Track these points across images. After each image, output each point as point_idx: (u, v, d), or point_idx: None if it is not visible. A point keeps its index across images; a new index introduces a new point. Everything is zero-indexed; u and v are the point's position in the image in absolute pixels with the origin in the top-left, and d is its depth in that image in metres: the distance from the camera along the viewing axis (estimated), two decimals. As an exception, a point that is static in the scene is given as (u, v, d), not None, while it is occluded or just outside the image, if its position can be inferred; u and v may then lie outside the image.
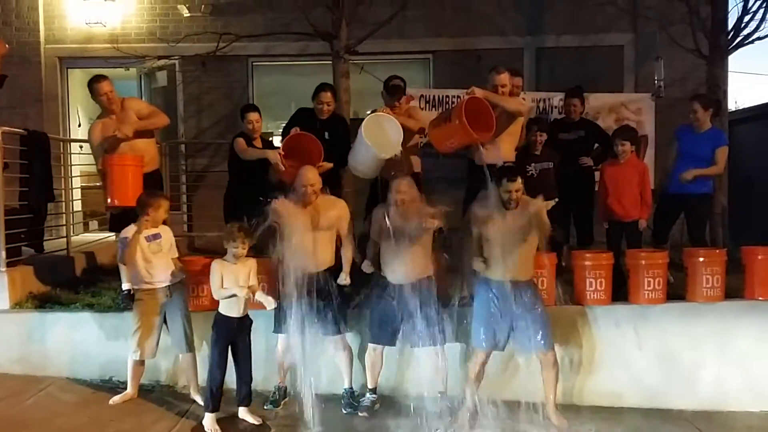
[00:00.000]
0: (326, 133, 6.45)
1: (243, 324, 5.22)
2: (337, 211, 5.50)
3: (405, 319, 5.35)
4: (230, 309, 5.14)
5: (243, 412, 5.28)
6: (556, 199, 6.48)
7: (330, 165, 6.11)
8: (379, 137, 5.89)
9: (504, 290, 5.23)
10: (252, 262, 5.27)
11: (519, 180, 5.14)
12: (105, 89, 6.27)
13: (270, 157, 6.10)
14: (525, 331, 5.24)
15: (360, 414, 5.47)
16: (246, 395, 5.27)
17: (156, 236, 5.47)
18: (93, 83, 6.35)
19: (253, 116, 6.63)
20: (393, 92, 6.43)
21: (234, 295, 5.08)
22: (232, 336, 5.17)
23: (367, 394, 5.61)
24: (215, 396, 5.12)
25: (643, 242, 6.73)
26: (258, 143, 6.63)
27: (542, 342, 5.23)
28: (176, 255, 5.64)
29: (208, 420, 5.11)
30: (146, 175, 6.29)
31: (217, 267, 5.15)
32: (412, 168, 6.37)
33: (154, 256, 5.43)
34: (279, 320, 5.44)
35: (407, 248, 5.29)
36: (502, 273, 5.22)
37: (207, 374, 5.19)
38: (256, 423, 5.23)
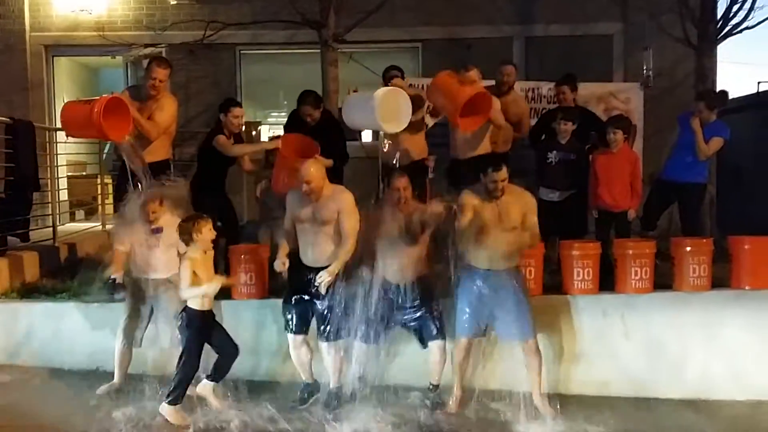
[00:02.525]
0: (318, 139, 6.33)
1: (212, 315, 5.12)
2: (336, 204, 5.16)
3: (402, 320, 5.35)
4: (203, 304, 5.00)
5: (206, 388, 5.10)
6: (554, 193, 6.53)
7: (329, 162, 6.06)
8: (389, 109, 5.85)
9: (487, 278, 5.24)
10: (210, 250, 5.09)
11: (504, 170, 5.13)
12: (156, 75, 6.07)
13: (268, 146, 6.12)
14: (506, 319, 5.25)
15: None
16: (222, 372, 5.10)
17: (158, 230, 5.40)
18: (152, 62, 6.18)
19: (239, 111, 6.48)
20: (388, 81, 6.53)
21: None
22: (208, 329, 5.05)
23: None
24: (184, 391, 4.98)
25: (632, 232, 6.74)
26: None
27: (522, 330, 5.23)
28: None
29: (172, 412, 4.96)
30: (149, 165, 6.15)
31: (188, 265, 4.94)
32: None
33: (151, 249, 5.38)
34: (285, 319, 5.36)
35: (406, 247, 5.26)
36: (485, 261, 5.23)
37: (180, 369, 4.98)
38: (217, 406, 5.11)
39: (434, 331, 5.31)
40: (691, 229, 6.70)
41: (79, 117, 5.65)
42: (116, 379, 5.57)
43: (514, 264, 5.33)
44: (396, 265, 5.28)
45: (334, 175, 6.33)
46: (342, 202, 5.17)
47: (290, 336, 5.35)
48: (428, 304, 5.33)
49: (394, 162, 6.12)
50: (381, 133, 6.61)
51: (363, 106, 5.97)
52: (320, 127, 6.54)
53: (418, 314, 5.31)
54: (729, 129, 6.71)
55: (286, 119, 11.29)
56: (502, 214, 5.16)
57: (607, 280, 6.06)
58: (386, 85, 6.51)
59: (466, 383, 5.49)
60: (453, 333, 5.41)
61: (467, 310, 5.30)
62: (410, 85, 8.15)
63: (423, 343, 5.41)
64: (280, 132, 9.80)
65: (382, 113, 5.80)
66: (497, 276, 5.24)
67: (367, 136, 10.48)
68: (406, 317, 5.35)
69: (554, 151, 6.63)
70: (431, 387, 5.46)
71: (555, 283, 6.09)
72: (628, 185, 6.49)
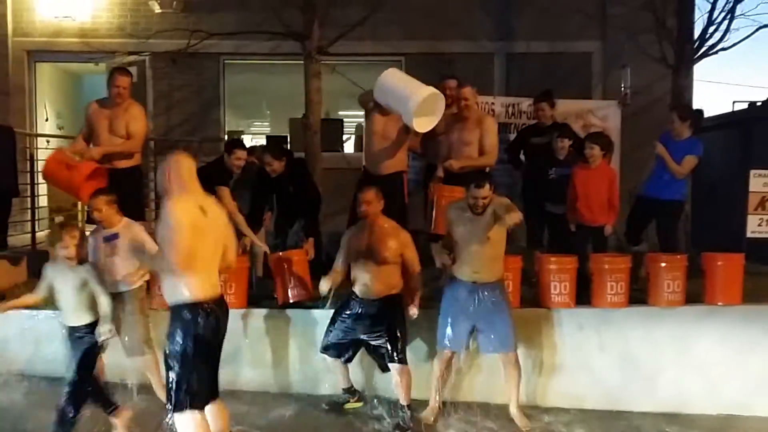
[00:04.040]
0: (290, 188, 6.43)
1: (80, 334, 4.67)
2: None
3: (368, 336, 5.35)
4: (64, 316, 4.71)
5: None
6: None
7: (311, 254, 6.21)
8: (425, 108, 5.91)
9: (469, 290, 5.29)
10: (86, 270, 4.71)
11: (486, 187, 5.18)
12: (120, 83, 6.36)
13: (251, 238, 6.26)
14: (488, 331, 5.31)
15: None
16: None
17: (113, 237, 5.15)
18: (114, 72, 6.46)
19: (241, 153, 6.47)
20: None
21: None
22: (73, 347, 4.67)
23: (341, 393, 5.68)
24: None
25: (610, 247, 6.83)
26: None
27: (504, 343, 5.30)
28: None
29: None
30: (121, 171, 6.28)
31: (47, 273, 4.76)
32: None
33: (108, 259, 5.12)
34: None
35: (376, 265, 5.29)
36: (468, 273, 5.29)
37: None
38: None
39: (395, 354, 5.28)
40: (667, 246, 6.79)
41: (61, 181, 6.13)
42: None
43: (498, 276, 5.39)
44: (363, 281, 5.32)
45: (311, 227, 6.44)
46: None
47: None
48: (392, 325, 5.31)
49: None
50: (363, 143, 6.70)
51: (403, 93, 5.91)
52: (289, 177, 6.44)
53: (380, 334, 5.30)
54: (702, 145, 6.82)
55: (269, 128, 11.34)
56: (484, 227, 5.20)
57: (584, 295, 6.15)
58: None
59: (442, 395, 5.53)
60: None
61: (449, 322, 5.34)
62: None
63: (383, 365, 5.40)
64: (263, 141, 9.85)
65: (420, 110, 5.82)
66: (482, 289, 5.28)
67: (349, 147, 10.57)
68: (368, 337, 5.34)
69: (554, 168, 6.78)
70: (401, 407, 5.39)
71: (532, 296, 6.17)
72: (606, 201, 6.57)
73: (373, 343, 5.35)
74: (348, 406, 5.66)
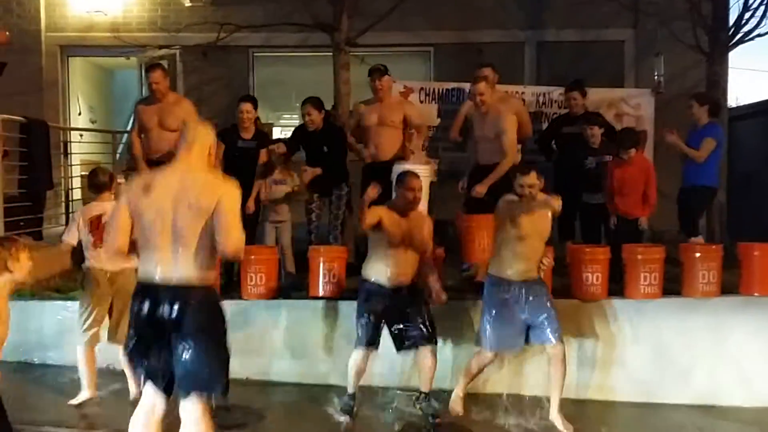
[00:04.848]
0: (324, 147, 6.67)
1: None
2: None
3: (400, 322, 5.19)
4: None
5: None
6: None
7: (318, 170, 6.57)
8: None
9: (518, 289, 5.05)
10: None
11: (533, 174, 4.96)
12: (153, 79, 6.58)
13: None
14: (539, 322, 5.06)
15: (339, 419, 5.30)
16: None
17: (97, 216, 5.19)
18: (147, 70, 6.77)
19: (245, 106, 6.81)
20: (370, 73, 6.98)
21: None
22: None
23: (345, 398, 5.34)
24: None
25: (645, 239, 6.73)
26: (248, 133, 6.87)
27: (554, 335, 5.05)
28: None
29: None
30: None
31: None
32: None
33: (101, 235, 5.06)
34: None
35: (415, 253, 5.21)
36: (519, 272, 5.06)
37: None
38: None
39: (426, 335, 5.14)
40: (687, 229, 6.75)
41: None
42: (85, 389, 5.28)
43: (537, 272, 5.16)
44: (401, 269, 5.15)
45: (335, 184, 6.69)
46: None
47: None
48: (421, 307, 5.21)
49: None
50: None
51: None
52: (326, 136, 6.77)
53: (417, 318, 5.15)
54: (721, 130, 6.77)
55: (297, 120, 11.37)
56: (537, 224, 5.04)
57: (618, 286, 6.06)
58: (373, 84, 6.89)
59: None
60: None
61: (492, 324, 5.09)
62: (421, 88, 8.26)
63: (413, 346, 5.18)
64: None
65: None
66: (530, 286, 5.07)
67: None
68: (405, 323, 5.16)
69: (590, 157, 6.74)
70: (421, 395, 5.25)
71: (564, 287, 6.09)
72: (642, 194, 6.49)
73: (410, 328, 5.15)
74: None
